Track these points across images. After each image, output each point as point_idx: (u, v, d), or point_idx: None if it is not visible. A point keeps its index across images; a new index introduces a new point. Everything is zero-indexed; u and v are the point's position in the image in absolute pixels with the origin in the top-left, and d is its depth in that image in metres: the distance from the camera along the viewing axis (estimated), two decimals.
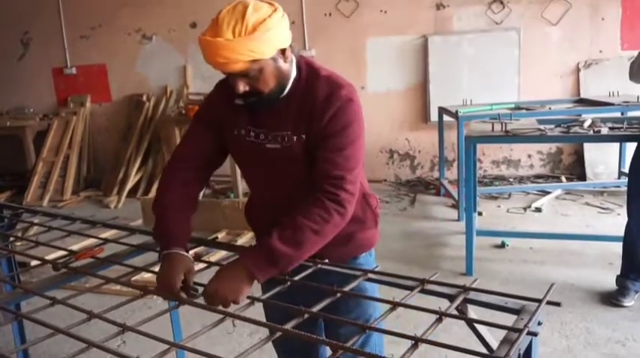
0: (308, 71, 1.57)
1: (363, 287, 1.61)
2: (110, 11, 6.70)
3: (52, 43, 6.95)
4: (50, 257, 1.93)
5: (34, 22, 6.97)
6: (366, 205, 1.73)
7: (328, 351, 1.22)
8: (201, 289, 1.46)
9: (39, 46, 7.04)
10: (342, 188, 1.49)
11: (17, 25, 7.02)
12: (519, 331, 1.13)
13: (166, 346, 1.17)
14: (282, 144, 1.56)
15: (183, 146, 1.73)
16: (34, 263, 2.26)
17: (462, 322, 1.33)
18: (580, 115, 4.27)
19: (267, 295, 1.45)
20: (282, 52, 1.47)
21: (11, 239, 2.28)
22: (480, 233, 3.88)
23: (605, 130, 3.45)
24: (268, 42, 1.40)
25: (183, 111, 5.94)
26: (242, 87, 1.46)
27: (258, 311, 1.35)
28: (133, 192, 6.28)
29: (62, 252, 1.90)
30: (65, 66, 6.98)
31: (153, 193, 6.20)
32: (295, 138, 1.54)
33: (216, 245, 2.08)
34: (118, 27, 6.72)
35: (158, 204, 1.65)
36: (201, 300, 1.42)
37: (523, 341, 1.13)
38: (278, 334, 1.23)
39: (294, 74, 1.55)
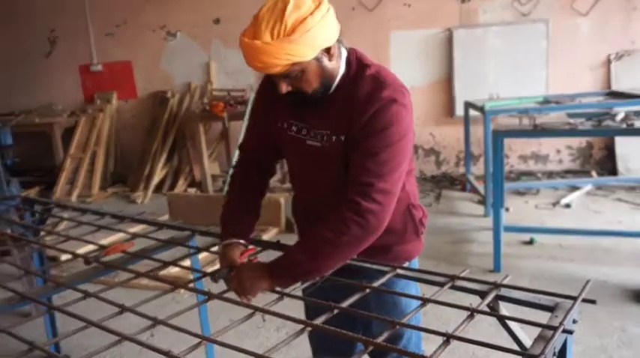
0: (357, 67, 1.48)
1: (398, 289, 1.57)
2: (135, 8, 6.76)
3: (78, 41, 7.04)
4: (80, 251, 1.96)
5: (60, 19, 7.07)
6: (409, 217, 1.63)
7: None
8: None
9: (65, 44, 7.14)
10: (368, 196, 1.37)
11: (44, 23, 7.14)
12: (554, 329, 1.11)
13: (196, 340, 1.17)
14: (322, 142, 1.50)
15: (245, 140, 1.76)
16: (64, 257, 2.29)
17: (490, 318, 1.32)
18: (611, 108, 4.20)
19: (294, 289, 1.43)
20: (327, 50, 1.39)
21: (42, 233, 2.30)
22: (508, 229, 3.83)
23: (638, 123, 3.38)
24: (308, 43, 1.32)
25: (207, 108, 5.96)
26: (284, 87, 1.41)
27: (286, 306, 1.33)
28: (158, 188, 6.34)
29: (92, 247, 1.94)
30: (91, 63, 7.07)
31: (178, 188, 6.26)
32: (334, 138, 1.48)
33: None
34: (142, 24, 6.78)
35: (225, 201, 1.69)
36: (231, 294, 1.44)
37: (558, 340, 1.10)
38: (307, 330, 1.22)
39: (342, 71, 1.48)
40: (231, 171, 1.81)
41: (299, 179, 1.69)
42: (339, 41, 1.42)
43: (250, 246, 1.67)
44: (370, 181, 1.38)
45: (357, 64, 1.48)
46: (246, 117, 5.52)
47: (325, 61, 1.40)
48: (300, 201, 1.74)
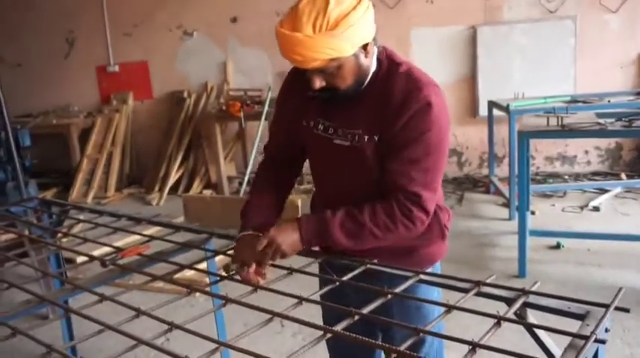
0: (388, 65, 1.46)
1: (420, 294, 1.53)
2: (152, 8, 6.76)
3: (95, 41, 7.07)
4: (96, 253, 1.97)
5: (78, 20, 7.10)
6: (435, 220, 1.60)
7: None
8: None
9: (83, 45, 7.18)
10: (418, 205, 1.43)
11: (63, 24, 7.18)
12: (586, 338, 1.08)
13: (212, 345, 1.16)
14: (351, 142, 1.48)
15: (270, 139, 1.75)
16: (80, 259, 2.30)
17: (514, 326, 1.26)
18: None
19: (314, 294, 1.40)
20: (364, 46, 1.38)
21: (59, 235, 2.29)
22: (534, 233, 3.79)
23: None
24: (350, 39, 1.30)
25: (224, 108, 5.93)
26: (318, 83, 1.39)
27: (304, 312, 1.32)
28: (174, 189, 6.33)
29: (108, 249, 1.95)
30: (108, 64, 7.09)
31: (194, 190, 6.24)
32: (367, 138, 1.45)
33: None
34: (159, 23, 6.78)
35: (249, 197, 1.69)
36: (247, 299, 1.39)
37: (590, 349, 1.08)
38: (328, 335, 1.19)
39: (373, 68, 1.46)
40: (253, 169, 1.78)
41: (323, 178, 1.67)
42: (374, 39, 1.41)
43: None
44: (418, 191, 1.42)
45: (388, 61, 1.47)
46: (264, 116, 5.47)
47: (362, 57, 1.39)
48: (322, 200, 1.70)
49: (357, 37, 1.32)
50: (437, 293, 1.60)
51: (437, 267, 1.70)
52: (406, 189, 1.41)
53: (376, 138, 1.44)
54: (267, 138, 1.81)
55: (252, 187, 1.73)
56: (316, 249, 1.63)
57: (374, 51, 1.44)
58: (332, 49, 1.29)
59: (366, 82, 1.45)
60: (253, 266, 1.49)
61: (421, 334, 1.16)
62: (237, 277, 1.53)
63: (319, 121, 1.52)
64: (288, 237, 1.47)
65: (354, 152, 1.47)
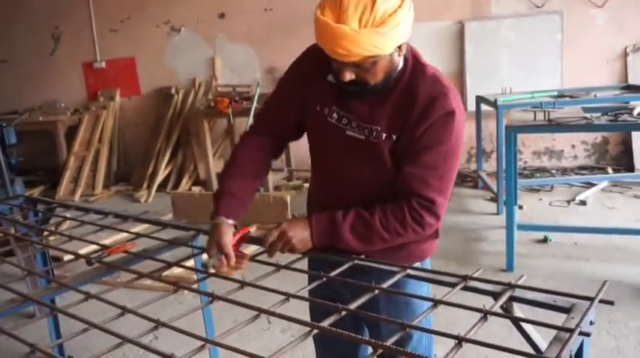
0: (413, 65, 1.45)
1: (410, 289, 1.53)
2: (138, 3, 6.71)
3: (82, 37, 7.01)
4: (83, 251, 1.98)
5: (64, 16, 7.03)
6: None
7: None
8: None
9: (69, 41, 7.12)
10: (431, 211, 1.44)
11: (48, 20, 7.11)
12: (571, 331, 1.08)
13: (199, 342, 1.15)
14: (367, 137, 1.46)
15: (264, 113, 1.69)
16: (67, 257, 2.29)
17: (501, 320, 1.28)
18: (628, 102, 4.20)
19: (300, 290, 1.39)
20: (399, 46, 1.36)
21: (45, 233, 2.27)
22: (521, 227, 3.80)
23: None
24: (394, 37, 1.29)
25: (212, 104, 5.89)
26: (349, 76, 1.36)
27: (292, 308, 1.33)
28: (162, 186, 6.30)
29: (95, 247, 1.94)
30: (95, 60, 7.04)
31: (182, 187, 6.20)
32: (385, 135, 1.44)
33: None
34: (146, 19, 6.73)
35: (223, 172, 1.65)
36: (234, 296, 1.38)
37: (575, 342, 1.08)
38: (314, 332, 1.19)
39: (400, 66, 1.45)
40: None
41: (326, 167, 1.62)
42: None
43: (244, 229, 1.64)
44: (433, 197, 1.43)
45: (413, 60, 1.46)
46: (252, 113, 5.42)
47: (395, 55, 1.38)
48: (321, 189, 1.67)
49: (400, 36, 1.30)
50: (426, 289, 1.60)
51: (427, 263, 1.69)
52: (421, 194, 1.42)
53: (394, 137, 1.43)
54: None
55: (231, 166, 1.64)
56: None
57: (405, 50, 1.43)
58: (376, 47, 1.27)
59: (391, 79, 1.43)
60: (233, 258, 1.49)
61: (407, 329, 1.16)
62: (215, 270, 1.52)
63: (334, 110, 1.48)
64: (299, 233, 1.47)
65: (368, 146, 1.45)
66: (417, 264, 1.61)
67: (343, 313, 1.25)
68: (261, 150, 1.66)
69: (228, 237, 1.50)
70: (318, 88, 1.51)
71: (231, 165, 1.65)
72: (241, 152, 1.66)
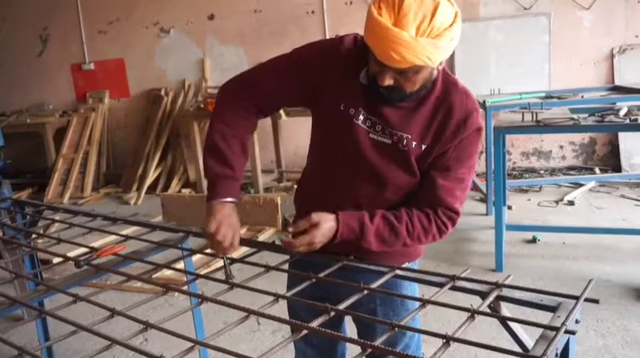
0: (444, 77, 1.44)
1: (402, 289, 1.54)
2: (127, 5, 6.69)
3: (70, 39, 6.97)
4: (72, 254, 1.93)
5: (52, 17, 6.99)
6: None
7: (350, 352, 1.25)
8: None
9: (57, 42, 7.07)
10: (454, 222, 1.48)
11: (36, 21, 7.07)
12: (556, 329, 1.08)
13: (189, 344, 1.15)
14: (395, 143, 1.44)
15: (261, 84, 1.57)
16: (56, 260, 2.27)
17: (491, 319, 1.30)
18: (615, 103, 4.17)
19: (292, 292, 1.38)
20: None
21: (33, 236, 2.26)
22: (510, 227, 3.83)
23: None
24: (446, 51, 1.27)
25: (202, 106, 5.88)
26: (388, 81, 1.33)
27: (282, 309, 1.36)
28: (152, 188, 6.27)
29: (84, 249, 1.92)
30: (83, 61, 7.00)
31: (172, 189, 6.18)
32: (414, 144, 1.43)
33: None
34: (135, 20, 6.70)
35: (214, 144, 1.55)
36: (224, 297, 1.37)
37: (560, 340, 1.08)
38: (303, 332, 1.18)
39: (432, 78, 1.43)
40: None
41: (339, 168, 1.53)
42: None
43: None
44: (457, 209, 1.48)
45: (443, 75, 1.44)
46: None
47: (437, 68, 1.36)
48: (325, 185, 1.58)
49: (450, 49, 1.28)
50: (417, 289, 1.61)
51: (417, 264, 1.70)
52: (450, 206, 1.46)
53: (424, 146, 1.43)
54: None
55: (222, 142, 1.55)
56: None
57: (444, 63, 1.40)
58: (429, 58, 1.24)
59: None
60: (236, 238, 1.50)
61: (397, 329, 1.16)
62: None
63: (361, 112, 1.44)
64: (327, 224, 1.43)
65: (395, 152, 1.44)
66: (409, 265, 1.61)
67: (332, 314, 1.24)
68: (250, 118, 1.60)
69: (235, 218, 1.52)
70: (345, 85, 1.44)
71: (225, 134, 1.56)
72: (232, 120, 1.57)
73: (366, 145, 1.45)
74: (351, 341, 1.15)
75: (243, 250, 1.70)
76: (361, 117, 1.44)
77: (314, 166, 1.64)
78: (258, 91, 1.57)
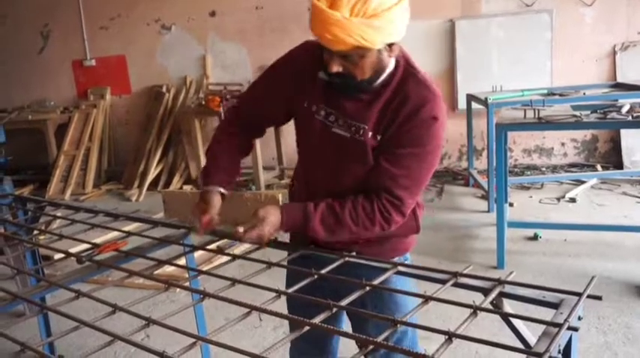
0: (405, 68, 1.47)
1: (396, 285, 1.54)
2: (129, 1, 6.67)
3: (71, 35, 6.96)
4: (74, 250, 1.95)
5: (53, 13, 6.98)
6: (412, 216, 1.64)
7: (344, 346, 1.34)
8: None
9: (59, 39, 7.06)
10: (399, 210, 1.47)
11: (37, 18, 7.05)
12: (559, 326, 1.09)
13: (191, 340, 1.15)
14: (353, 135, 1.49)
15: (249, 102, 1.72)
16: (57, 256, 2.27)
17: (493, 316, 1.29)
18: (617, 100, 4.18)
19: (293, 288, 1.38)
20: (391, 45, 1.38)
21: (35, 232, 2.26)
22: (512, 224, 3.80)
23: None
24: (383, 32, 1.31)
25: (203, 102, 5.87)
26: (336, 67, 1.38)
27: (283, 305, 1.38)
28: (153, 185, 6.27)
29: (85, 245, 1.92)
30: (85, 58, 6.99)
31: (174, 186, 6.18)
32: (371, 134, 1.47)
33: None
34: (136, 17, 6.69)
35: (209, 149, 1.73)
36: (226, 293, 1.37)
37: (563, 337, 1.08)
38: (305, 328, 1.18)
39: (391, 68, 1.46)
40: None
41: (309, 163, 1.67)
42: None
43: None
44: (403, 197, 1.46)
45: (404, 65, 1.47)
46: None
47: (385, 54, 1.39)
48: (308, 184, 1.69)
49: (390, 34, 1.32)
50: (410, 283, 1.61)
51: (407, 257, 1.73)
52: (392, 191, 1.45)
53: (379, 137, 1.46)
54: None
55: (216, 146, 1.72)
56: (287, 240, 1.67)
57: (397, 52, 1.43)
58: (363, 38, 1.28)
59: (380, 79, 1.44)
60: (209, 217, 1.61)
61: (394, 324, 1.16)
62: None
63: (322, 107, 1.51)
64: (272, 219, 1.51)
65: (352, 144, 1.48)
66: (399, 259, 1.65)
67: (334, 310, 1.24)
68: (244, 136, 1.73)
69: (216, 202, 1.64)
70: (308, 85, 1.52)
71: (218, 146, 1.72)
72: (227, 137, 1.72)
73: (326, 139, 1.52)
74: (355, 338, 1.14)
75: (245, 246, 1.70)
76: (322, 113, 1.51)
77: (298, 166, 1.75)
78: (251, 111, 1.69)
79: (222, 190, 1.66)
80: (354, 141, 1.48)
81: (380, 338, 1.09)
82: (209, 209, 1.63)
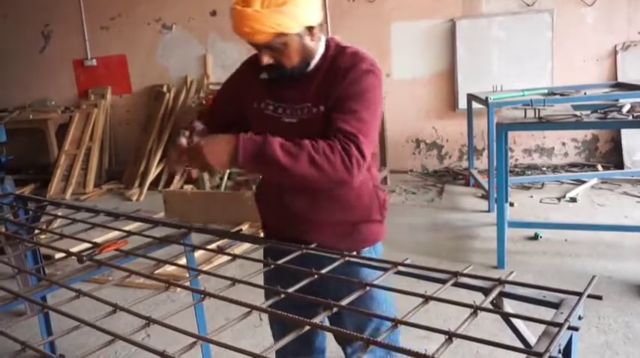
0: (335, 48, 1.60)
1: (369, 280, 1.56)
2: (130, 1, 6.68)
3: (72, 35, 6.96)
4: (74, 249, 1.94)
5: (54, 13, 6.99)
6: (375, 197, 1.71)
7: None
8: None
9: (59, 38, 7.07)
10: (355, 144, 1.46)
11: (38, 17, 7.06)
12: (560, 325, 1.08)
13: (191, 339, 1.15)
14: (299, 117, 1.58)
15: (211, 114, 1.83)
16: (58, 255, 2.27)
17: (493, 316, 1.28)
18: (617, 100, 4.19)
19: (293, 288, 1.37)
20: (310, 30, 1.50)
21: (36, 231, 2.26)
22: (512, 224, 3.79)
23: None
24: (295, 17, 1.43)
25: (204, 102, 5.88)
26: (266, 59, 1.50)
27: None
28: (154, 185, 6.27)
29: (86, 245, 1.92)
30: (85, 57, 7.00)
31: (174, 185, 6.18)
32: (315, 110, 1.56)
33: (240, 237, 2.04)
34: (137, 17, 6.70)
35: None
36: (227, 293, 1.37)
37: (563, 336, 1.08)
38: (306, 328, 1.18)
39: (320, 51, 1.58)
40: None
41: None
42: (320, 26, 1.54)
43: None
44: (355, 133, 1.47)
45: (335, 46, 1.60)
46: None
47: (307, 39, 1.51)
48: (269, 186, 1.77)
49: (302, 16, 1.44)
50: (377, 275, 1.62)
51: (379, 248, 1.77)
52: (345, 129, 1.49)
53: (322, 108, 1.55)
54: None
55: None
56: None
57: (320, 37, 1.56)
58: (278, 24, 1.41)
59: (313, 64, 1.57)
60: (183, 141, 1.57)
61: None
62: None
63: (269, 102, 1.62)
64: (217, 147, 1.48)
65: (301, 127, 1.56)
66: (370, 249, 1.71)
67: (335, 310, 1.24)
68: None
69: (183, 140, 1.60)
70: (253, 86, 1.65)
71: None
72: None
73: (280, 130, 1.56)
74: (356, 337, 1.14)
75: (246, 246, 1.70)
76: (271, 107, 1.63)
77: None
78: (214, 122, 1.76)
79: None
80: (302, 123, 1.57)
81: (382, 338, 1.10)
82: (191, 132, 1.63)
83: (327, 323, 1.64)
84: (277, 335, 1.87)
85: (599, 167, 5.66)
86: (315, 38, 1.53)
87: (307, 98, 1.57)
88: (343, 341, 1.73)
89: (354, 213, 1.65)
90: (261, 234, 1.91)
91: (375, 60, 1.59)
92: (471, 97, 5.17)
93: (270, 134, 1.59)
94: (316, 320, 1.20)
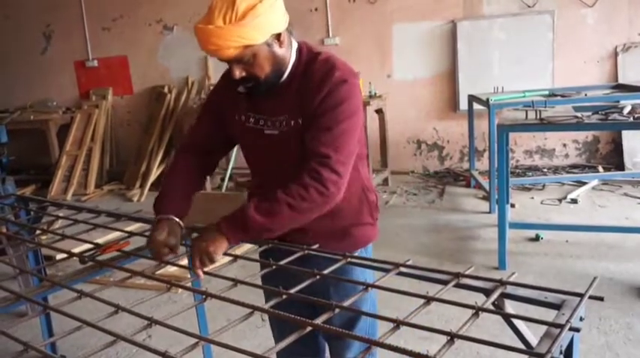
0: (307, 55, 1.58)
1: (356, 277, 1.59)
2: (131, 2, 6.69)
3: (73, 36, 6.98)
4: (76, 250, 1.95)
5: (56, 14, 7.00)
6: (365, 199, 1.71)
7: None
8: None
9: (61, 39, 7.08)
10: (328, 166, 1.47)
11: (40, 18, 7.07)
12: (561, 326, 1.08)
13: (193, 340, 1.15)
14: (279, 129, 1.58)
15: (190, 134, 1.84)
16: (59, 256, 2.27)
17: (494, 317, 1.28)
18: (618, 101, 4.19)
19: (296, 289, 1.37)
20: (278, 37, 1.49)
21: (37, 232, 2.26)
22: (513, 225, 3.79)
23: None
24: (258, 28, 1.42)
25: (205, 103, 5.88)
26: (237, 73, 1.49)
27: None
28: (155, 186, 6.27)
29: (88, 245, 1.93)
30: (87, 58, 7.01)
31: None
32: (293, 122, 1.55)
33: None
34: (138, 18, 6.71)
35: (162, 183, 1.79)
36: (228, 294, 1.38)
37: (565, 338, 1.08)
38: (308, 329, 1.18)
39: (293, 59, 1.57)
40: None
41: (258, 168, 1.76)
42: (289, 31, 1.54)
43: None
44: (328, 153, 1.48)
45: (307, 52, 1.59)
46: None
47: (276, 47, 1.50)
48: (258, 189, 1.77)
49: (265, 26, 1.43)
50: (367, 274, 1.63)
51: (369, 250, 1.77)
52: (316, 150, 1.48)
53: (300, 121, 1.54)
54: None
55: (170, 176, 1.80)
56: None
57: (291, 43, 1.55)
58: (242, 38, 1.40)
59: (287, 72, 1.56)
60: (166, 249, 1.60)
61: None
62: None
63: (250, 115, 1.62)
64: (216, 242, 1.52)
65: (282, 138, 1.57)
66: (361, 251, 1.72)
67: (337, 310, 1.25)
68: (195, 168, 1.79)
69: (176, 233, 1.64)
70: (233, 101, 1.64)
71: (172, 175, 1.79)
72: (180, 166, 1.78)
73: (263, 142, 1.61)
74: (362, 339, 1.14)
75: (247, 247, 1.71)
76: (252, 120, 1.63)
77: (252, 177, 1.86)
78: (196, 141, 1.79)
79: (177, 220, 1.67)
80: (283, 135, 1.57)
81: (380, 336, 1.09)
82: (171, 241, 1.63)
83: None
84: (277, 338, 1.86)
85: (600, 168, 5.65)
86: (284, 45, 1.51)
87: (284, 109, 1.56)
88: (329, 337, 1.74)
89: (343, 218, 1.65)
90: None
91: (347, 64, 1.58)
92: (471, 98, 5.17)
93: (254, 146, 1.66)
94: (318, 321, 1.20)
